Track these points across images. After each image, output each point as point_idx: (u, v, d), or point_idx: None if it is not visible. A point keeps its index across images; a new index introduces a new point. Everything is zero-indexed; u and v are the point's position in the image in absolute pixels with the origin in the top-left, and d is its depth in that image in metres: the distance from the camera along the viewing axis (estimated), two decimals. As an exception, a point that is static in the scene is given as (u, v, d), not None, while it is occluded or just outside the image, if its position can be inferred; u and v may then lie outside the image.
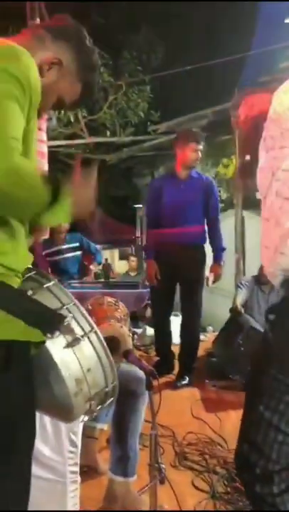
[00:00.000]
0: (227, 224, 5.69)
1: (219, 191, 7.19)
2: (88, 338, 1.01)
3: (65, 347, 1.00)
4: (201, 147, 3.57)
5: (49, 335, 1.00)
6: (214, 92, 8.05)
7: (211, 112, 7.03)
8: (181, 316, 3.83)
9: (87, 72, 1.24)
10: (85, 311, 1.02)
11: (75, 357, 1.00)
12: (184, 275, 3.61)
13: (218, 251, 3.69)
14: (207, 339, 4.92)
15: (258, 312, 3.94)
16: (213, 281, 3.68)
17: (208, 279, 3.68)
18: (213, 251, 3.71)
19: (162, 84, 9.46)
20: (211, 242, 3.71)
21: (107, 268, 5.12)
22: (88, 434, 2.21)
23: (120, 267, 6.20)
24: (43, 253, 4.60)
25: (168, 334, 3.87)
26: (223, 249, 3.71)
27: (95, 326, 1.02)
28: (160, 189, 3.68)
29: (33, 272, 1.08)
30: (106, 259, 5.56)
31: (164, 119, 8.07)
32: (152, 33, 10.37)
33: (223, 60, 6.74)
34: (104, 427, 2.30)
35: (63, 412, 1.12)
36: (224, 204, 6.72)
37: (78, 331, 1.00)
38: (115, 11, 9.93)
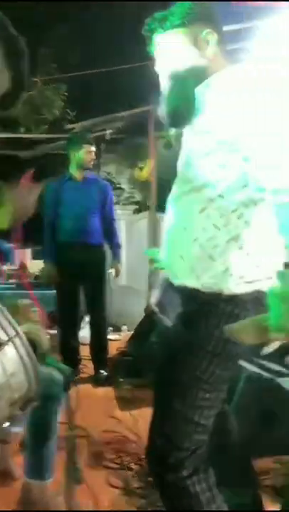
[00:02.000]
0: (140, 225, 5.82)
1: (134, 193, 7.33)
2: (13, 342, 1.01)
3: (-12, 352, 0.99)
4: (93, 148, 3.74)
5: None
6: (131, 95, 8.16)
7: (127, 115, 7.11)
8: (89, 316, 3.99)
9: (14, 58, 1.14)
10: (9, 315, 1.01)
11: (-2, 361, 1.00)
12: (86, 275, 3.74)
13: (116, 248, 3.93)
14: (122, 338, 5.00)
15: (172, 311, 4.07)
16: (115, 277, 3.96)
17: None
18: (110, 248, 3.93)
19: (81, 84, 9.41)
20: (108, 241, 3.88)
21: (23, 268, 4.99)
22: (1, 438, 2.15)
23: (32, 267, 6.01)
24: None
25: (73, 335, 3.88)
26: (120, 246, 3.98)
27: (19, 330, 1.02)
28: (57, 191, 3.74)
29: None
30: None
31: (80, 119, 8.02)
32: (72, 31, 10.25)
33: (142, 63, 6.87)
34: (19, 430, 2.26)
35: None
36: (139, 206, 6.84)
37: (2, 336, 0.99)
38: (35, 7, 9.65)
